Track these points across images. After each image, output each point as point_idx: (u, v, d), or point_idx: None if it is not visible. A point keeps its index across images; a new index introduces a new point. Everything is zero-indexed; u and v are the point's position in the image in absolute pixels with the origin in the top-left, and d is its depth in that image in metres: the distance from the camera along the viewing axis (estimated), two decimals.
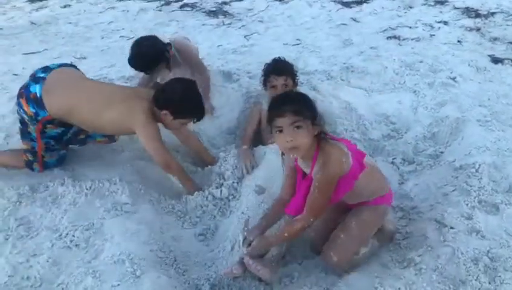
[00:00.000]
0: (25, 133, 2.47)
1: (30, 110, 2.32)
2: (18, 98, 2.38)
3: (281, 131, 1.71)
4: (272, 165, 2.39)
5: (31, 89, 2.32)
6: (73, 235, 2.07)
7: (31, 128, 2.40)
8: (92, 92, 2.39)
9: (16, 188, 2.34)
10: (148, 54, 2.80)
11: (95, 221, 2.15)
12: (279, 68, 2.74)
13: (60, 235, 2.08)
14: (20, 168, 2.53)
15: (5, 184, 2.37)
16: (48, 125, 2.39)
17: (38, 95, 2.29)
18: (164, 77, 2.98)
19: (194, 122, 2.47)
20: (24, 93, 2.34)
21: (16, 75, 3.81)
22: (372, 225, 1.96)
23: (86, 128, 2.50)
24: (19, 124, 2.49)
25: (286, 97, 1.83)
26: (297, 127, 1.69)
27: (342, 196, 1.83)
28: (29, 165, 2.50)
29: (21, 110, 2.36)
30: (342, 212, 1.99)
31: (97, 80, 2.65)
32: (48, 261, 1.94)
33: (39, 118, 2.33)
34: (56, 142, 2.48)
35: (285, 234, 1.84)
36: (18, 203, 2.26)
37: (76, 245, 2.03)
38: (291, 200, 1.90)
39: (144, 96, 2.38)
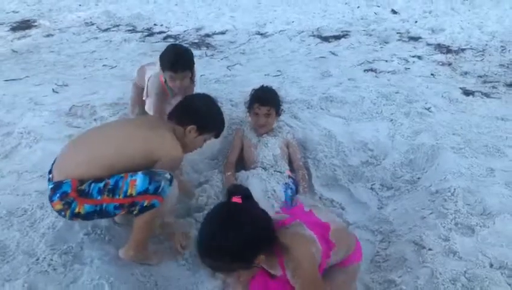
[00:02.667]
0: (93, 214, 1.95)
1: (58, 199, 1.89)
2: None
3: None
4: (254, 189, 2.40)
5: (54, 196, 1.91)
6: (51, 259, 2.01)
7: (76, 206, 1.90)
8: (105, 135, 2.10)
9: None
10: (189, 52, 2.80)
11: (74, 245, 2.10)
12: (264, 99, 2.84)
13: (37, 259, 2.02)
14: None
15: None
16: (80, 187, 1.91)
17: (53, 186, 1.93)
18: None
19: (212, 138, 2.35)
20: (52, 197, 1.92)
21: None
22: (348, 285, 1.86)
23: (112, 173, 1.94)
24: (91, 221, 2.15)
25: None
26: None
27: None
28: None
29: (62, 213, 1.94)
30: None
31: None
32: (23, 286, 1.88)
33: (68, 191, 1.89)
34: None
35: None
36: None
37: (54, 269, 1.98)
38: None
39: (162, 123, 2.21)
